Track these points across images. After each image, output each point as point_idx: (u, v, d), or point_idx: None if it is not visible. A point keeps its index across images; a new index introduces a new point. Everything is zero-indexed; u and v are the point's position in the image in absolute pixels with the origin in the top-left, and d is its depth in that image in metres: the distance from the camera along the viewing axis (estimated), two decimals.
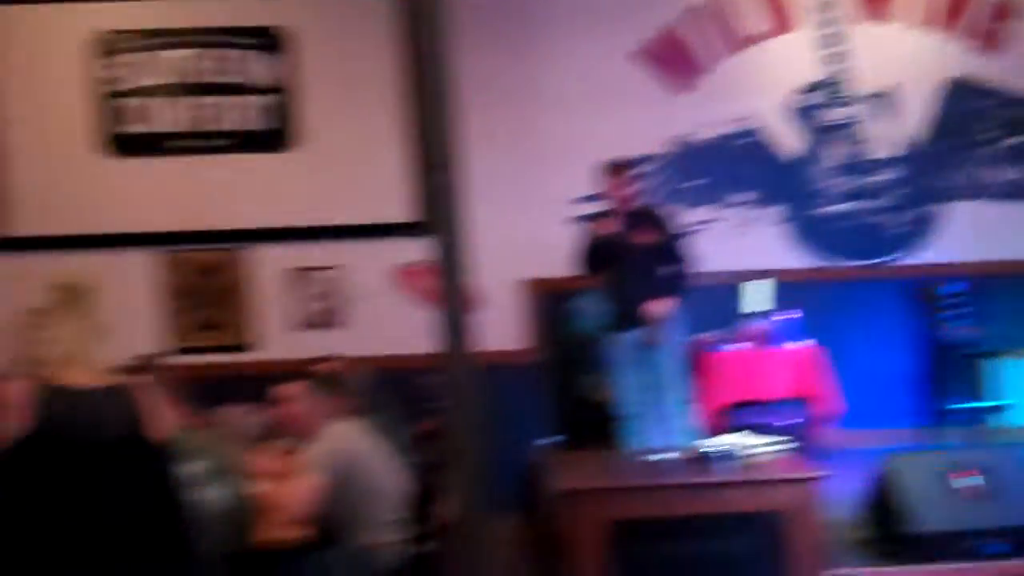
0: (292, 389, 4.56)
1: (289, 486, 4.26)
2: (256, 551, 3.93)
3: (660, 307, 5.78)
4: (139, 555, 3.16)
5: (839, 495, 4.60)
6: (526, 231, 7.24)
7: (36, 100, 7.15)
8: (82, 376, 3.18)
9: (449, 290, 4.00)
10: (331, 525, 4.27)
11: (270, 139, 7.27)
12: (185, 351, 7.05)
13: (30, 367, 3.10)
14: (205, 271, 7.20)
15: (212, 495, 3.72)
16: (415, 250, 7.18)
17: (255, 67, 7.27)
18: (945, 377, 7.10)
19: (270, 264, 7.23)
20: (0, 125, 7.10)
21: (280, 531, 4.01)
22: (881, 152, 7.56)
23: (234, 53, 7.25)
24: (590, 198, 7.17)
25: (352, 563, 4.21)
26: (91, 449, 3.10)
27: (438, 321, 3.97)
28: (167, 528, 3.21)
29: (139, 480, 3.19)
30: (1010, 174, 7.55)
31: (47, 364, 3.11)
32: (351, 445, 4.35)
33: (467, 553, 3.98)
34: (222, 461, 3.85)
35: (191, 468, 3.69)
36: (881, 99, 7.56)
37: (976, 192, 7.52)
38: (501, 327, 7.03)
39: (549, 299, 7.28)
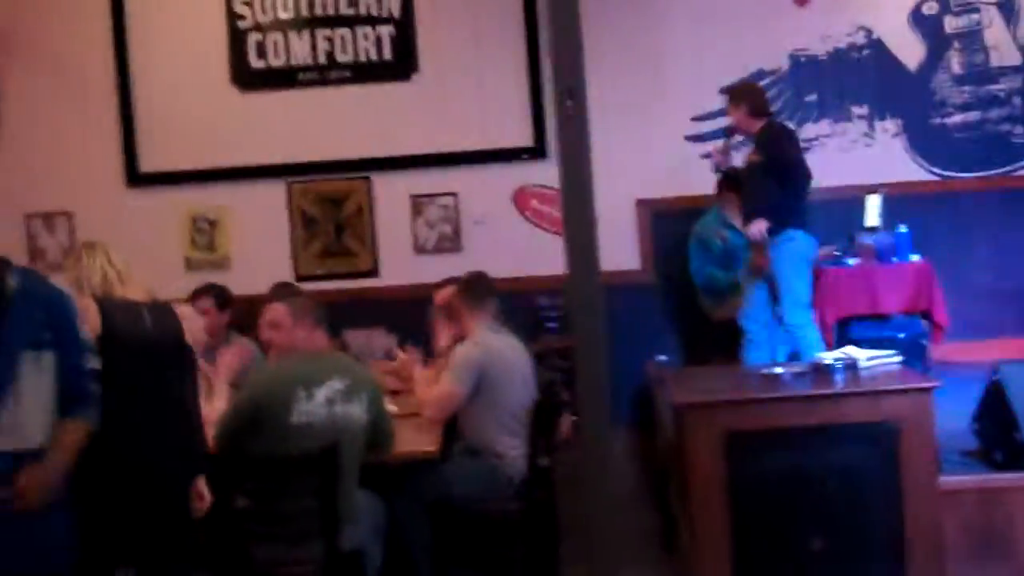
0: (443, 291, 4.82)
1: (427, 390, 4.53)
2: (392, 463, 4.19)
3: (757, 227, 5.78)
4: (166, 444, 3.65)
5: (952, 406, 4.66)
6: (645, 150, 7.32)
7: (171, 36, 7.45)
8: (133, 293, 3.72)
9: (576, 214, 4.19)
10: (466, 427, 4.52)
11: (393, 69, 7.45)
12: (314, 277, 7.35)
13: (88, 287, 3.67)
14: (332, 200, 7.46)
15: (352, 411, 3.97)
16: (533, 174, 7.44)
17: None
18: None
19: (393, 191, 7.45)
20: (131, 62, 7.42)
21: (414, 443, 4.25)
22: (1003, 60, 7.41)
23: None
24: (710, 116, 7.26)
25: (480, 472, 4.45)
26: (146, 349, 3.64)
27: (565, 243, 4.16)
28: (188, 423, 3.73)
29: (176, 378, 3.74)
30: None
31: (97, 284, 3.66)
32: (493, 355, 4.57)
33: (588, 465, 4.20)
34: (358, 379, 4.09)
35: (331, 386, 3.95)
36: (1004, 4, 7.39)
37: None
38: (620, 247, 7.15)
39: (668, 218, 7.33)
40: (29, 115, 7.38)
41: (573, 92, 4.17)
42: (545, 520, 4.63)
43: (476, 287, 4.79)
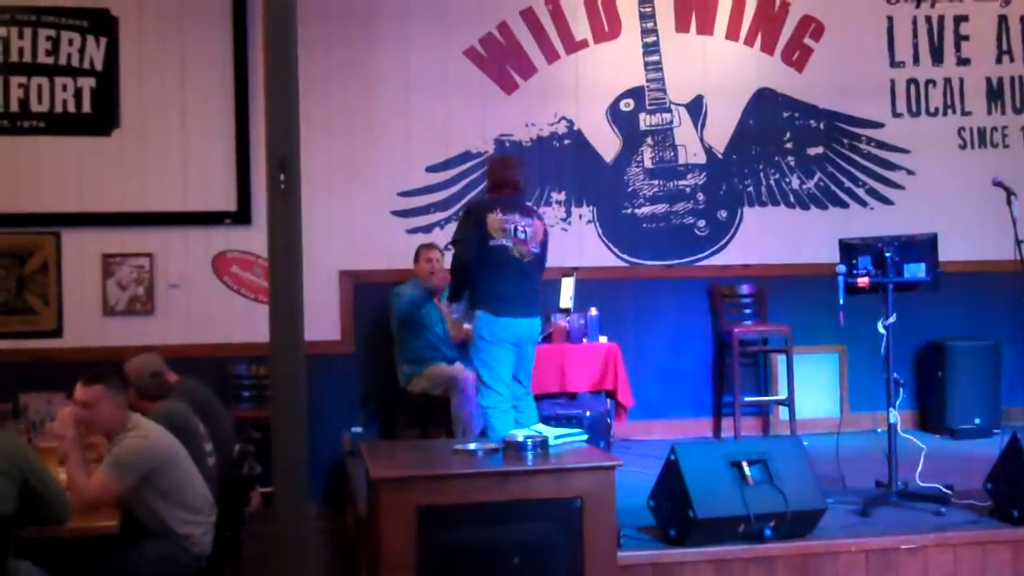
0: (89, 394, 4.35)
1: (85, 481, 4.24)
2: (68, 537, 3.94)
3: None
4: None
5: (632, 483, 4.89)
6: (350, 222, 7.38)
7: None
8: None
9: (283, 287, 4.14)
10: (140, 515, 4.30)
11: (93, 123, 7.18)
12: None
13: None
14: (14, 254, 7.05)
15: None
16: (232, 239, 7.28)
17: (80, 49, 7.16)
18: (734, 372, 7.56)
19: (84, 249, 7.13)
20: None
21: (87, 521, 4.00)
22: (690, 158, 7.96)
23: (60, 34, 7.13)
24: (416, 192, 7.44)
25: (166, 552, 4.25)
26: None
27: (270, 315, 4.09)
28: None
29: None
30: (803, 184, 8.07)
31: None
32: (154, 440, 4.33)
33: (282, 538, 4.11)
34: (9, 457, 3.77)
35: None
36: (692, 107, 7.96)
37: (772, 199, 8.02)
38: (320, 317, 7.09)
39: (370, 290, 7.36)
40: None
41: (286, 165, 4.16)
42: None
43: (118, 380, 4.52)
